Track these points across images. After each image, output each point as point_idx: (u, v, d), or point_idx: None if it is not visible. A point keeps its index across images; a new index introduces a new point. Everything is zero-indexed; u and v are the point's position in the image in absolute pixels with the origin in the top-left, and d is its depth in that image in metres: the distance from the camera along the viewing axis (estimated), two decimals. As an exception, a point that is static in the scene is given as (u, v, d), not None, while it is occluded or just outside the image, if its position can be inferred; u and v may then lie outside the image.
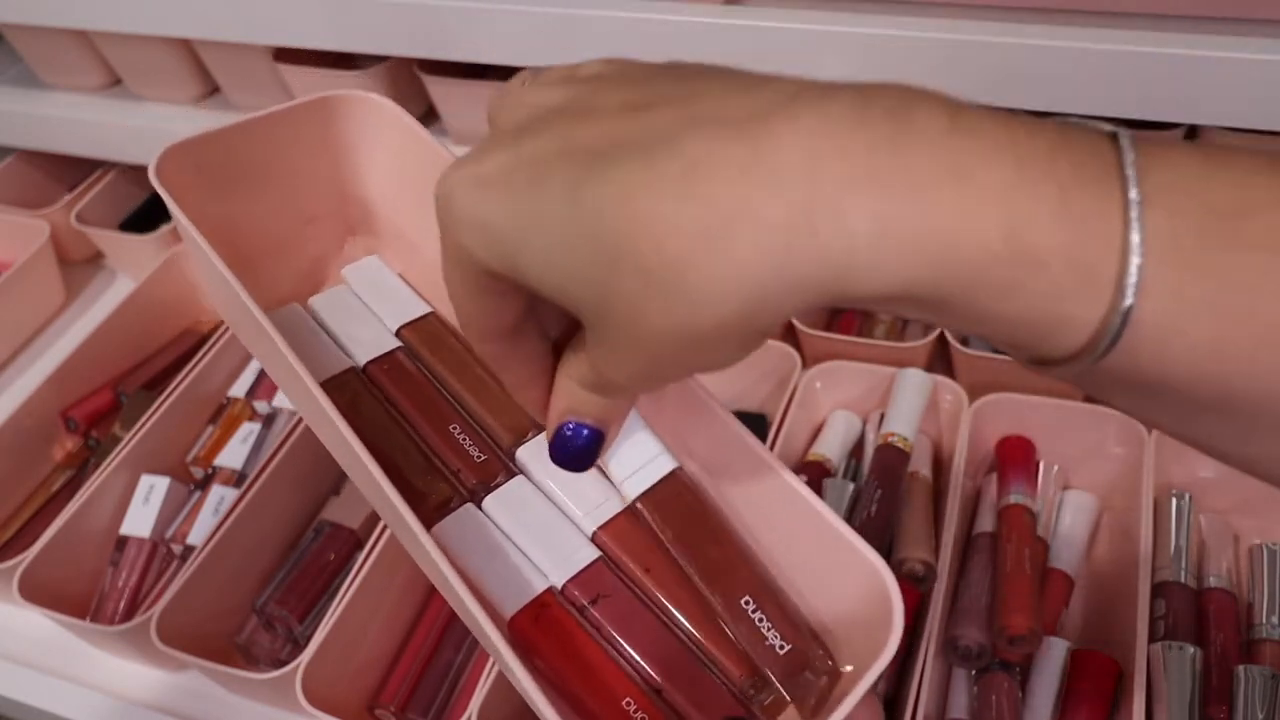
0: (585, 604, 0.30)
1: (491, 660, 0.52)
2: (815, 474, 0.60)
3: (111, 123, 0.76)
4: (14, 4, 0.69)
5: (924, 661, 0.49)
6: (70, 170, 0.91)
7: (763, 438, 0.63)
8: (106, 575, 0.63)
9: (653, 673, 0.29)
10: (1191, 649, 0.49)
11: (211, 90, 0.76)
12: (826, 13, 0.50)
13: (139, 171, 0.87)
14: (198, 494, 0.66)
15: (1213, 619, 0.52)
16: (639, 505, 0.31)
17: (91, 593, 0.63)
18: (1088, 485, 0.59)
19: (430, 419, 0.34)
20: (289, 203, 0.37)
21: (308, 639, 0.54)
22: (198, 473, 0.68)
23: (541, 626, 0.29)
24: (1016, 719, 0.49)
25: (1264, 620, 0.51)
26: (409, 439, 0.34)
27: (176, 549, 0.63)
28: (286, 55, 0.67)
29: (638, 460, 0.31)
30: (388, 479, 0.27)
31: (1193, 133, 0.51)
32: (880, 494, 0.56)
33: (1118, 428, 0.57)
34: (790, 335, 0.67)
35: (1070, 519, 0.57)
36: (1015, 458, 0.58)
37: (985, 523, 0.57)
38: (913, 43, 0.48)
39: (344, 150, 0.38)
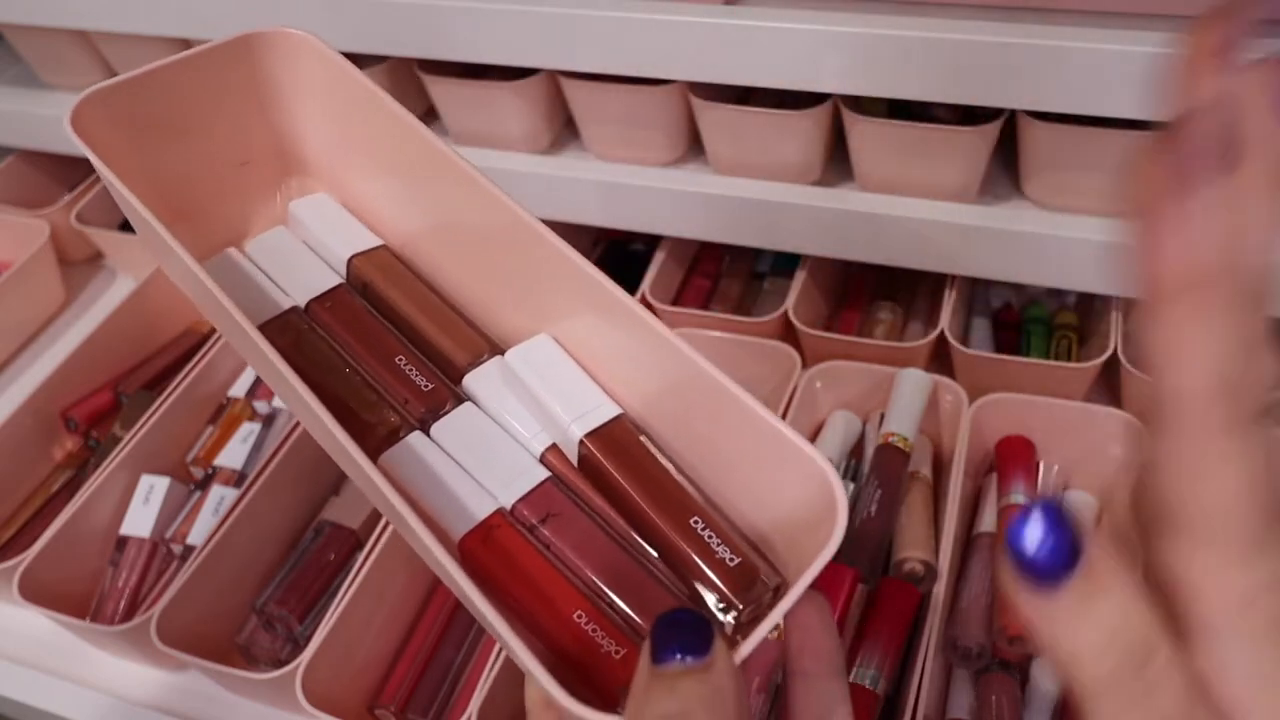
0: (535, 523, 0.30)
1: (491, 659, 0.52)
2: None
3: (111, 123, 0.76)
4: (14, 4, 0.69)
5: (924, 661, 0.49)
6: (70, 170, 0.91)
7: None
8: (106, 575, 0.63)
9: (604, 586, 0.29)
10: (1191, 649, 0.49)
11: (211, 90, 0.76)
12: (826, 13, 0.50)
13: (139, 171, 0.87)
14: (198, 494, 0.66)
15: (1213, 619, 0.52)
16: (586, 442, 0.31)
17: (91, 593, 0.63)
18: (1088, 485, 0.59)
19: (375, 353, 0.34)
20: (220, 147, 0.36)
21: (308, 639, 0.54)
22: (198, 473, 0.68)
23: (491, 547, 0.29)
24: (1016, 719, 0.49)
25: (1264, 620, 0.51)
26: (355, 374, 0.33)
27: (176, 549, 0.63)
28: (286, 55, 0.67)
29: (583, 406, 0.32)
30: (329, 412, 0.27)
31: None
32: (880, 494, 0.56)
33: (1118, 428, 0.57)
34: (790, 335, 0.67)
35: (1070, 519, 0.57)
36: (1015, 458, 0.58)
37: (985, 523, 0.57)
38: (913, 43, 0.48)
39: (272, 89, 0.37)
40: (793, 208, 0.60)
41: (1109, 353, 0.60)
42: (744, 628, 0.28)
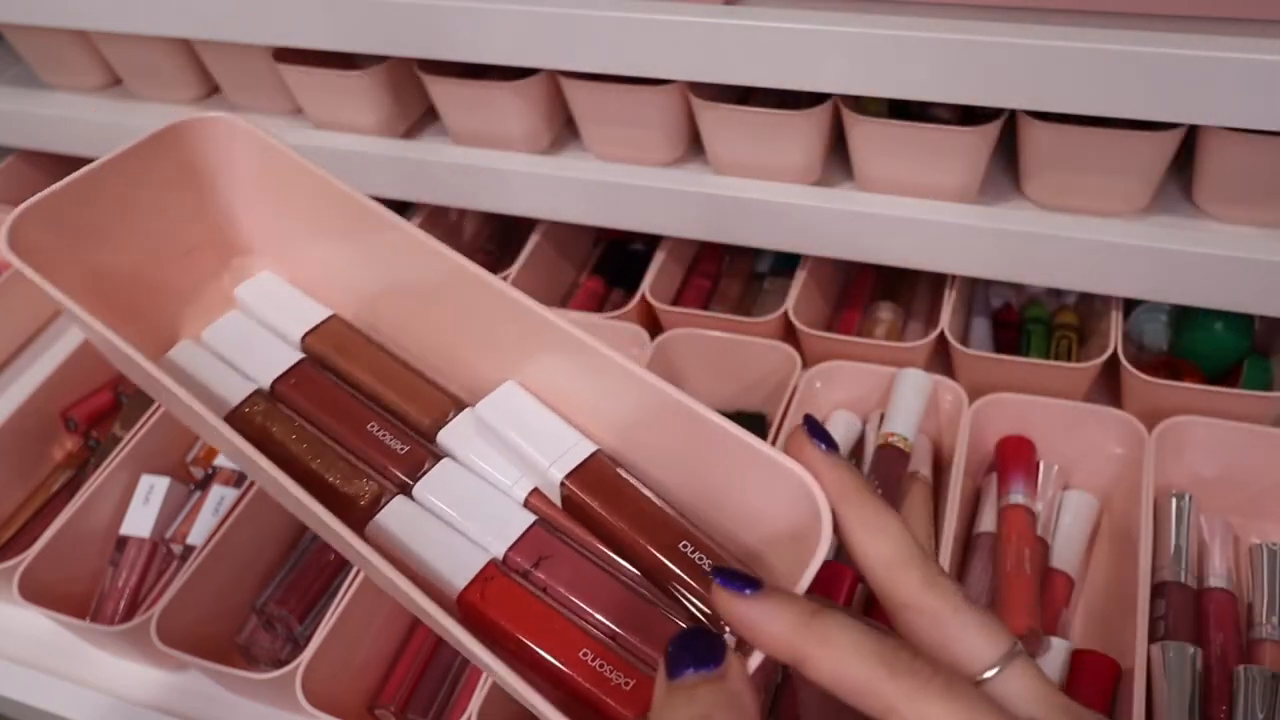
0: (528, 568, 0.30)
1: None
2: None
3: (111, 123, 0.76)
4: (14, 4, 0.69)
5: (924, 661, 0.49)
6: (70, 170, 0.91)
7: (762, 437, 0.63)
8: (106, 575, 0.63)
9: (606, 620, 0.29)
10: (1191, 649, 0.49)
11: (211, 90, 0.76)
12: (826, 13, 0.50)
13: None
14: (198, 494, 0.66)
15: (1213, 619, 0.52)
16: (567, 483, 0.31)
17: (91, 593, 0.63)
18: (1088, 485, 0.59)
19: (346, 423, 0.34)
20: (163, 238, 0.37)
21: (308, 639, 0.54)
22: (198, 473, 0.68)
23: (489, 598, 0.30)
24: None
25: (1264, 620, 0.51)
26: (328, 448, 0.34)
27: (176, 549, 0.63)
28: (286, 55, 0.67)
29: (559, 447, 0.32)
30: (307, 492, 0.27)
31: (1192, 133, 0.51)
32: (880, 494, 0.56)
33: (1118, 428, 0.57)
34: (790, 335, 0.67)
35: (1070, 519, 0.57)
36: (1015, 458, 0.58)
37: (985, 523, 0.57)
38: (913, 43, 0.48)
39: (204, 175, 0.37)
40: (793, 208, 0.60)
41: (1109, 353, 0.60)
42: (743, 643, 0.29)
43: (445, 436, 0.34)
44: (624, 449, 0.33)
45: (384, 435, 0.34)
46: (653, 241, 0.75)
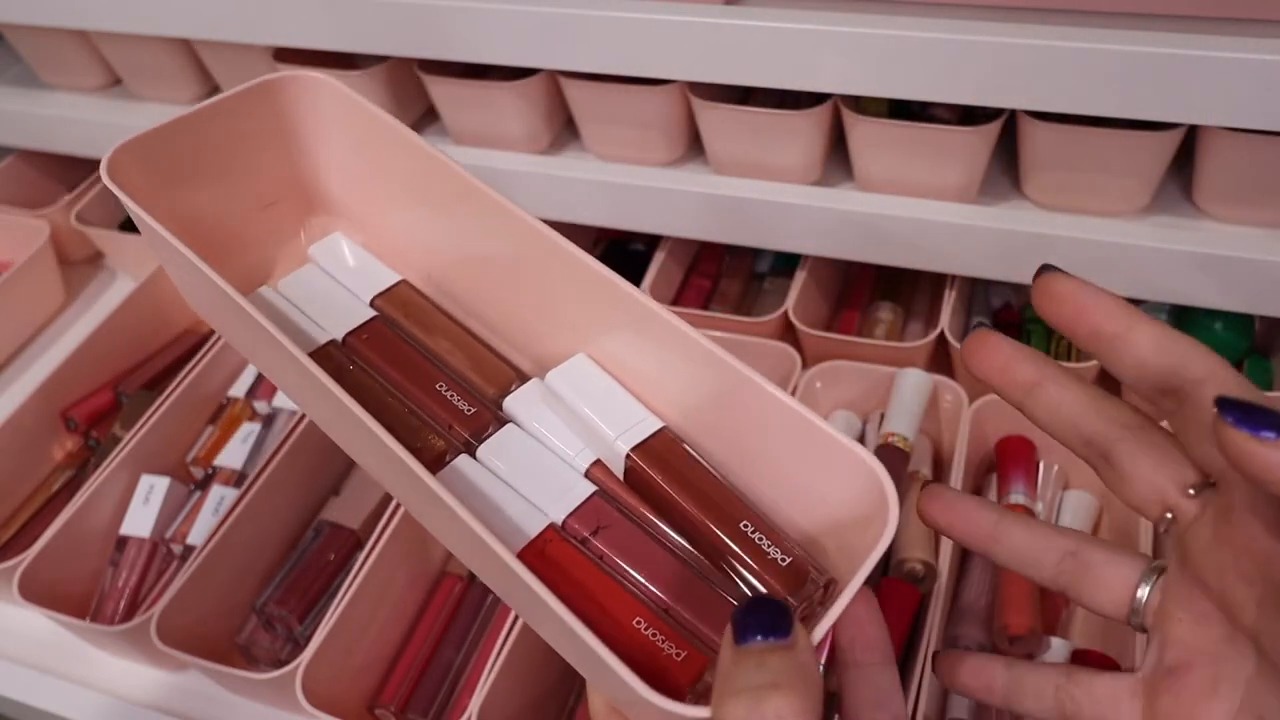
0: (587, 535, 0.31)
1: (491, 660, 0.52)
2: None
3: (111, 123, 0.76)
4: (14, 4, 0.69)
5: (924, 661, 0.49)
6: (70, 170, 0.91)
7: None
8: (106, 575, 0.63)
9: (659, 593, 0.29)
10: (1191, 649, 0.49)
11: (211, 90, 0.76)
12: (826, 13, 0.50)
13: (139, 171, 0.87)
14: (198, 494, 0.66)
15: (1213, 619, 0.52)
16: (633, 455, 0.32)
17: (91, 593, 0.63)
18: (1088, 485, 0.59)
19: (416, 380, 0.35)
20: (245, 190, 0.37)
21: (308, 639, 0.54)
22: (198, 473, 0.68)
23: (547, 561, 0.30)
24: (1016, 719, 0.49)
25: (1264, 620, 0.51)
26: (397, 402, 0.34)
27: (176, 549, 0.63)
28: (286, 55, 0.67)
29: (626, 421, 0.32)
30: (388, 433, 0.27)
31: (1192, 133, 0.51)
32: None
33: (1118, 428, 0.57)
34: (790, 335, 0.67)
35: (1070, 519, 0.57)
36: (1015, 458, 0.58)
37: (985, 523, 0.57)
38: (913, 43, 0.48)
39: (293, 132, 0.37)
40: (793, 208, 0.60)
41: (1109, 353, 0.60)
42: (807, 618, 0.29)
43: (511, 403, 0.34)
44: (690, 428, 0.33)
45: (451, 395, 0.34)
46: (653, 241, 0.75)
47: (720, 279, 0.77)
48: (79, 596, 0.62)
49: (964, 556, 0.57)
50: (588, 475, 0.33)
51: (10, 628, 0.64)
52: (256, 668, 0.58)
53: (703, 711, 0.22)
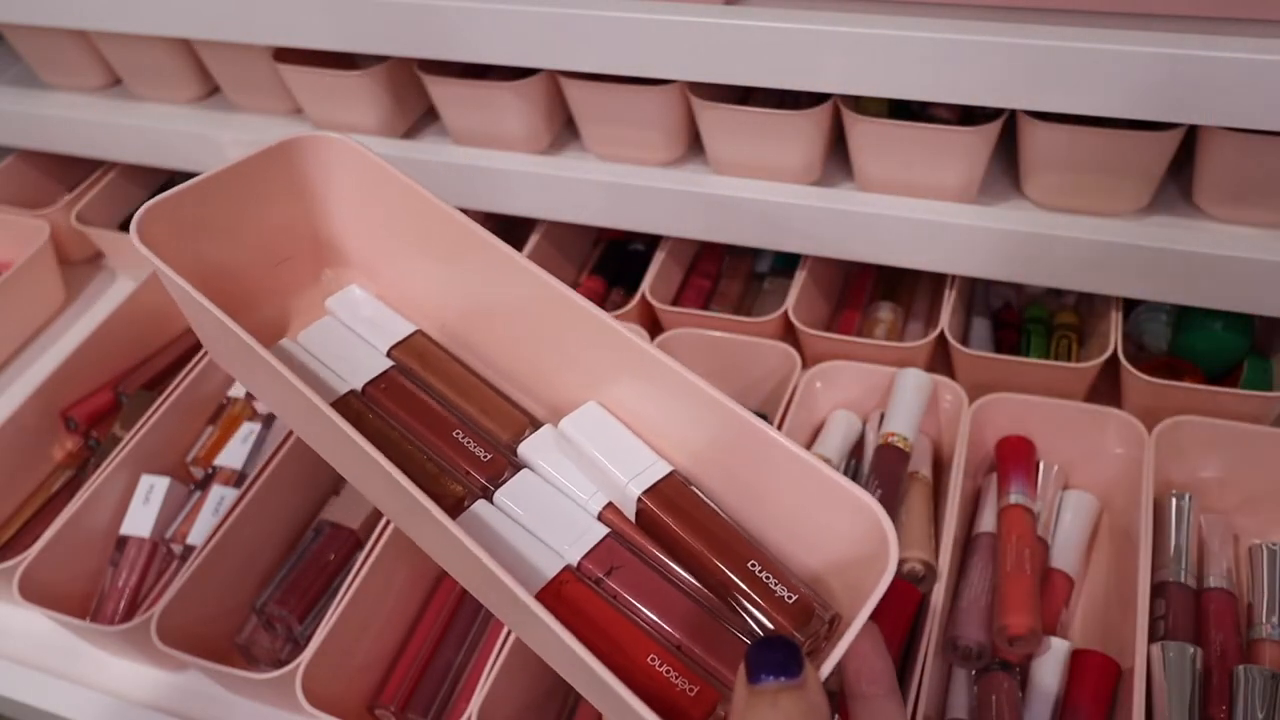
0: (601, 576, 0.32)
1: (492, 660, 0.52)
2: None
3: (111, 123, 0.76)
4: (14, 4, 0.69)
5: (924, 661, 0.49)
6: (70, 170, 0.91)
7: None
8: (106, 575, 0.63)
9: (672, 630, 0.31)
10: (1191, 649, 0.49)
11: (211, 90, 0.76)
12: (826, 13, 0.50)
13: (139, 171, 0.87)
14: (198, 494, 0.66)
15: (1213, 619, 0.52)
16: (644, 499, 0.33)
17: (91, 593, 0.63)
18: (1088, 485, 0.59)
19: (434, 428, 0.36)
20: (264, 245, 0.39)
21: (308, 639, 0.54)
22: (198, 473, 0.68)
23: (564, 601, 0.31)
24: (1016, 719, 0.49)
25: (1264, 620, 0.51)
26: (416, 449, 0.35)
27: (176, 549, 0.63)
28: (286, 55, 0.67)
29: (637, 466, 0.34)
30: (411, 481, 0.29)
31: (1192, 133, 0.51)
32: (880, 494, 0.56)
33: (1118, 428, 0.57)
34: (790, 335, 0.67)
35: (1070, 519, 0.57)
36: (1015, 458, 0.58)
37: (985, 523, 0.57)
38: (913, 43, 0.48)
39: (310, 188, 0.39)
40: (793, 208, 0.60)
41: (1109, 353, 0.60)
42: (814, 654, 0.30)
43: (526, 449, 0.36)
44: (697, 471, 0.34)
45: (468, 442, 0.36)
46: (653, 241, 0.75)
47: (720, 279, 0.77)
48: (79, 596, 0.62)
49: (964, 556, 0.57)
50: (601, 518, 0.34)
51: (10, 628, 0.64)
52: (256, 668, 0.58)
53: None
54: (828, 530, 0.31)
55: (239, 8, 0.62)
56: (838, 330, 0.70)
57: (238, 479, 0.66)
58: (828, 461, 0.60)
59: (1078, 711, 0.49)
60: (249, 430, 0.69)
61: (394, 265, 0.40)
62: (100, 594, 0.63)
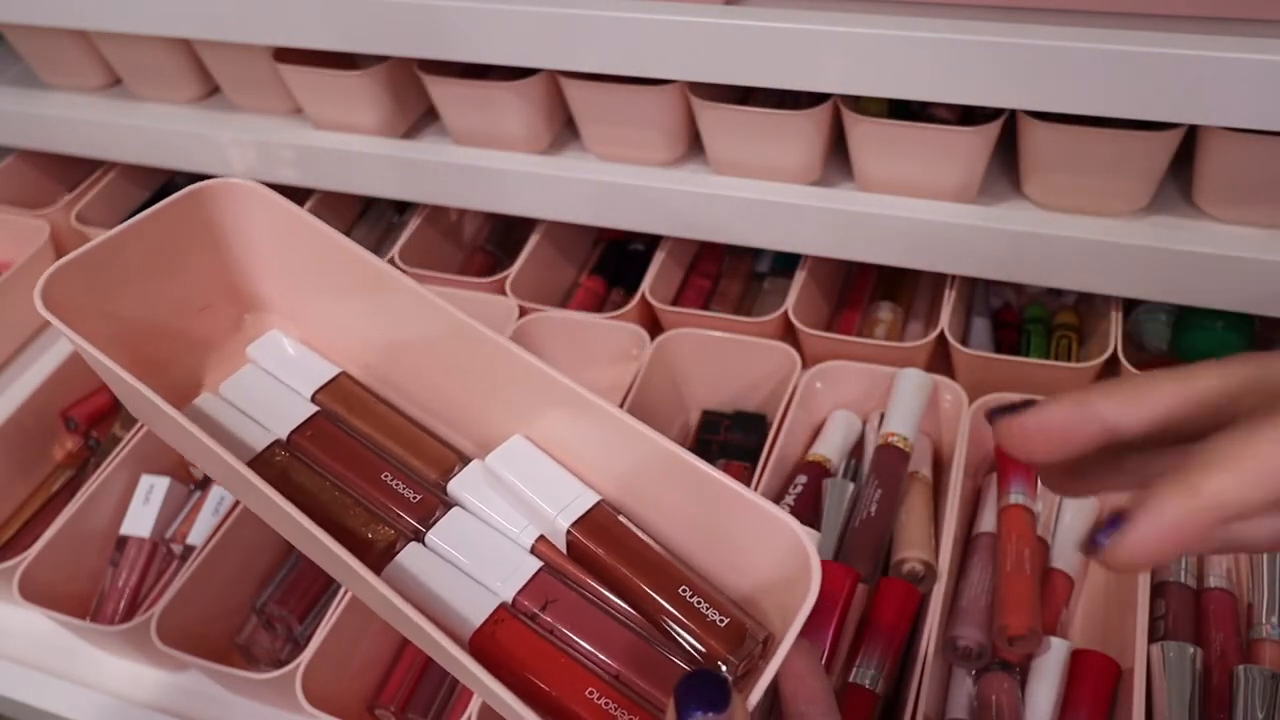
0: (536, 611, 0.32)
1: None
2: (815, 474, 0.60)
3: (111, 123, 0.76)
4: (14, 4, 0.69)
5: (924, 661, 0.49)
6: (70, 170, 0.91)
7: (762, 438, 0.63)
8: (106, 575, 0.63)
9: (610, 661, 0.31)
10: (1191, 649, 0.49)
11: (211, 90, 0.76)
12: (826, 13, 0.50)
13: (139, 171, 0.87)
14: (198, 494, 0.66)
15: (1213, 619, 0.52)
16: (573, 531, 0.33)
17: (91, 593, 0.63)
18: (1088, 485, 0.59)
19: (361, 472, 0.36)
20: (180, 295, 0.39)
21: (308, 639, 0.54)
22: (198, 473, 0.68)
23: (500, 640, 0.31)
24: (1016, 719, 0.49)
25: (1264, 620, 0.51)
26: (345, 495, 0.35)
27: (176, 549, 0.63)
28: (286, 55, 0.67)
29: (564, 498, 0.34)
30: (328, 534, 0.29)
31: (1192, 133, 0.51)
32: (880, 494, 0.56)
33: (1118, 428, 0.57)
34: (790, 335, 0.67)
35: (1070, 519, 0.57)
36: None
37: (985, 523, 0.57)
38: (913, 43, 0.48)
39: (221, 237, 0.39)
40: (793, 208, 0.60)
41: (1109, 353, 0.60)
42: (740, 680, 0.31)
43: (455, 486, 0.36)
44: (625, 499, 0.34)
45: (397, 484, 0.36)
46: (653, 241, 0.75)
47: (720, 279, 0.77)
48: (79, 596, 0.62)
49: (964, 556, 0.57)
50: (534, 551, 0.34)
51: (10, 628, 0.64)
52: (256, 668, 0.58)
53: None
54: (754, 552, 0.31)
55: (239, 8, 0.62)
56: (838, 330, 0.70)
57: (238, 479, 0.66)
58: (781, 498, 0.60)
59: (1078, 712, 0.49)
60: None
61: (313, 308, 0.40)
62: (100, 594, 0.63)
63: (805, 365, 0.65)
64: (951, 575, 0.54)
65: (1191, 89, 0.46)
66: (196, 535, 0.63)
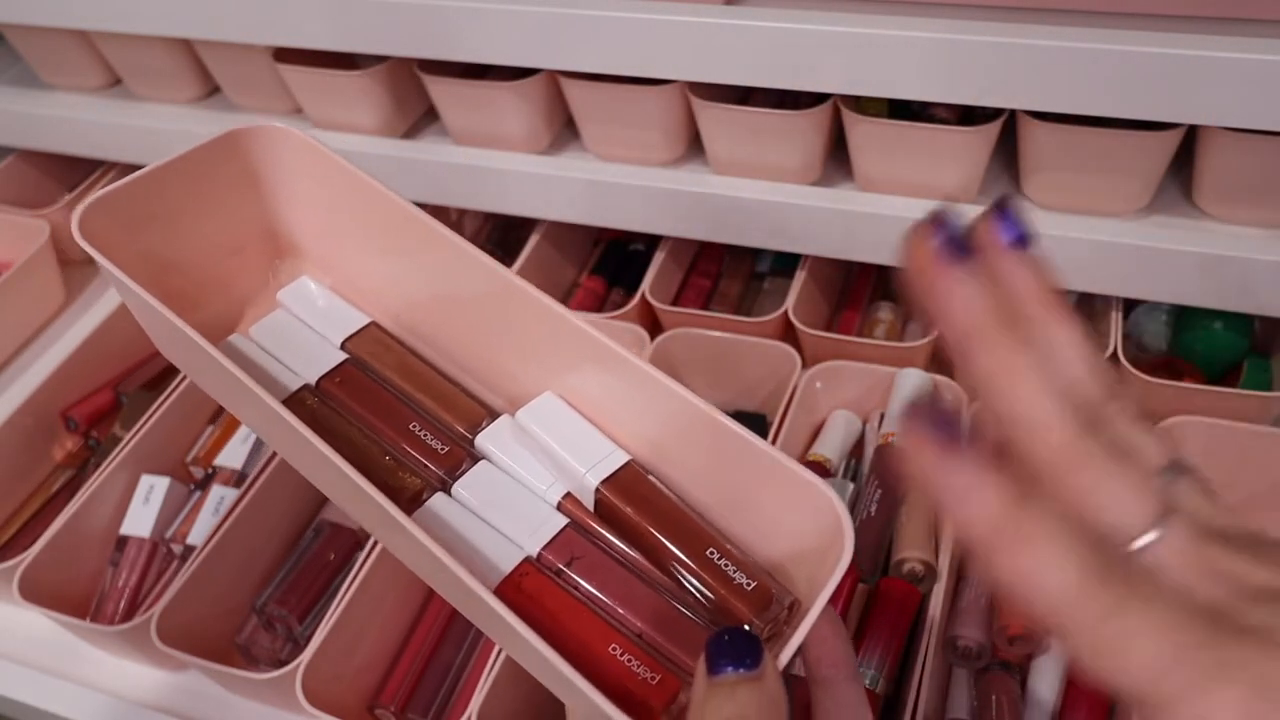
0: (561, 567, 0.32)
1: (492, 660, 0.52)
2: (815, 474, 0.60)
3: (111, 123, 0.76)
4: (14, 4, 0.69)
5: (924, 661, 0.49)
6: (70, 170, 0.91)
7: (762, 437, 0.63)
8: (106, 575, 0.63)
9: (633, 619, 0.31)
10: (1191, 649, 0.49)
11: (211, 90, 0.76)
12: (826, 13, 0.50)
13: (139, 171, 0.87)
14: (198, 494, 0.66)
15: (1213, 619, 0.52)
16: (602, 489, 0.33)
17: (91, 593, 0.63)
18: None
19: (390, 421, 0.36)
20: (213, 237, 0.38)
21: (308, 639, 0.54)
22: (198, 473, 0.68)
23: (524, 594, 0.31)
24: (1016, 719, 0.49)
25: (1264, 620, 0.51)
26: (372, 443, 0.35)
27: (176, 549, 0.63)
28: (286, 55, 0.67)
29: (594, 456, 0.34)
30: (364, 478, 0.28)
31: (1192, 133, 0.51)
32: (880, 494, 0.56)
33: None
34: (790, 335, 0.67)
35: (1070, 519, 0.57)
36: (1015, 458, 0.58)
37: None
38: (913, 43, 0.48)
39: (259, 180, 0.39)
40: (793, 208, 0.60)
41: (1109, 353, 0.60)
42: (766, 644, 0.30)
43: (483, 440, 0.35)
44: (655, 460, 0.34)
45: (425, 434, 0.35)
46: (653, 241, 0.75)
47: (720, 279, 0.77)
48: (79, 596, 0.62)
49: (964, 556, 0.57)
50: (560, 508, 0.34)
51: (10, 628, 0.64)
52: (256, 668, 0.58)
53: None
54: (785, 517, 0.31)
55: (239, 8, 0.62)
56: (838, 330, 0.70)
57: (238, 479, 0.66)
58: (828, 464, 0.60)
59: (1078, 712, 0.49)
60: (249, 430, 0.69)
61: (347, 257, 0.40)
62: (100, 594, 0.63)
63: (805, 365, 0.65)
64: (951, 575, 0.54)
65: (1191, 89, 0.46)
66: (196, 535, 0.63)
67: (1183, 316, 0.65)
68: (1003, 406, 0.21)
